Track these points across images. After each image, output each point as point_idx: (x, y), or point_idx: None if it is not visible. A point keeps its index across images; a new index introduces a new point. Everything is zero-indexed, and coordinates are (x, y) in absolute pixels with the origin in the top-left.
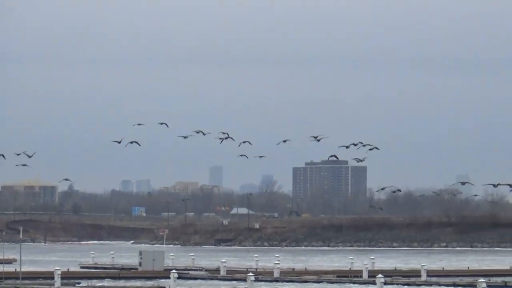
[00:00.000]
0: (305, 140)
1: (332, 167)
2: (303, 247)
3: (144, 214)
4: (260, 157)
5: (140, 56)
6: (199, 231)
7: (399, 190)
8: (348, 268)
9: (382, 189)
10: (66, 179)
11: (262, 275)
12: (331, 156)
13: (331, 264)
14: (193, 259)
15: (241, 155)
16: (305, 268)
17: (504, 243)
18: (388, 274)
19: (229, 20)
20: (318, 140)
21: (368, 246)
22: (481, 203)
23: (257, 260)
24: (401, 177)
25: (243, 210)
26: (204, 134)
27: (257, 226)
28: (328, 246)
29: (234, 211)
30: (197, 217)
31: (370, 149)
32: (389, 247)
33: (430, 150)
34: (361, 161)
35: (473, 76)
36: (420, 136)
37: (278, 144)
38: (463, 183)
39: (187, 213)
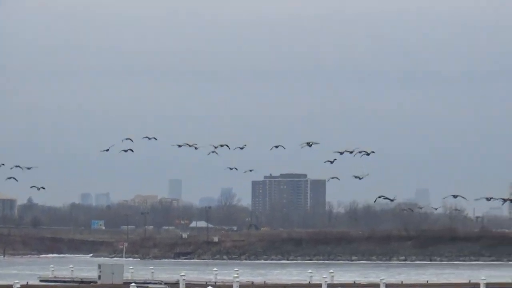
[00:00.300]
0: (265, 152)
1: (291, 181)
2: (262, 261)
3: (103, 227)
4: (250, 170)
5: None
6: (158, 245)
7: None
8: (307, 282)
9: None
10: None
11: None
12: (328, 161)
13: (290, 278)
14: (153, 272)
15: (231, 168)
16: (264, 282)
17: (463, 256)
18: (347, 287)
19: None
20: (310, 146)
21: (327, 260)
22: (440, 216)
23: (216, 274)
24: (360, 190)
25: (202, 224)
26: (196, 148)
27: (216, 239)
28: (287, 259)
29: (193, 224)
30: (156, 230)
31: (367, 154)
32: (348, 260)
33: (389, 164)
34: (360, 178)
35: (439, 88)
36: (380, 149)
37: (271, 149)
38: (455, 196)
39: (146, 226)
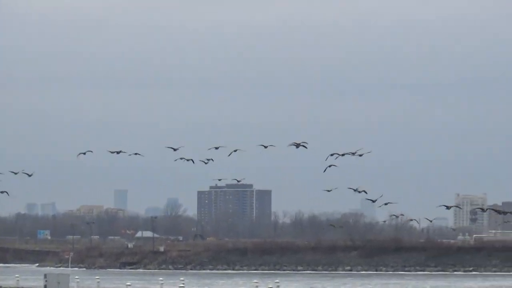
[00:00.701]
0: (209, 164)
1: (237, 191)
2: (208, 271)
3: (49, 237)
4: (238, 181)
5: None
6: (104, 254)
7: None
8: None
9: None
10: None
11: None
12: (329, 166)
13: None
14: (98, 282)
15: (219, 179)
16: None
17: (408, 266)
18: None
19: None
20: (297, 147)
21: (273, 270)
22: (385, 227)
23: (162, 283)
24: (305, 200)
25: (148, 234)
26: (191, 161)
27: (162, 249)
28: (233, 269)
29: (139, 234)
30: (102, 240)
31: (360, 155)
32: (294, 270)
33: (334, 174)
34: (358, 191)
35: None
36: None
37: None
38: (448, 207)
39: (92, 236)
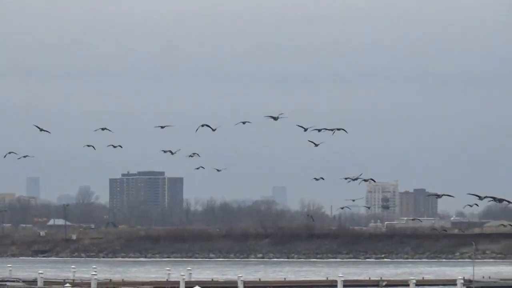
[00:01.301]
0: (123, 151)
1: (149, 179)
2: (120, 258)
3: None
4: (218, 170)
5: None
6: (16, 242)
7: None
8: (165, 279)
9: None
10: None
11: (79, 286)
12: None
13: (148, 275)
14: (10, 270)
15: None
16: (122, 280)
17: (320, 254)
18: (205, 285)
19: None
20: (276, 119)
21: (185, 257)
22: (296, 214)
23: (74, 271)
24: (217, 188)
25: (60, 221)
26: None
27: (74, 237)
28: (145, 257)
29: (51, 222)
30: (14, 228)
31: (337, 130)
32: (206, 258)
33: (246, 161)
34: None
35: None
36: (237, 148)
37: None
38: (438, 196)
39: (3, 224)
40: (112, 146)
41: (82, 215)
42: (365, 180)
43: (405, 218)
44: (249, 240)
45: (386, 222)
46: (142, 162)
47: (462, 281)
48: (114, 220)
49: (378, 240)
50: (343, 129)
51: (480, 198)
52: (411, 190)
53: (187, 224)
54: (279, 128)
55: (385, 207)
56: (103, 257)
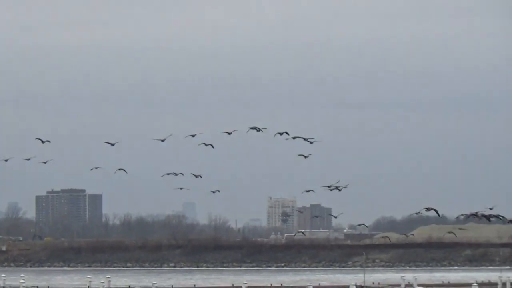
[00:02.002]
0: (47, 168)
1: (71, 195)
2: (46, 267)
3: None
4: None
5: None
6: None
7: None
8: (87, 286)
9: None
10: None
11: None
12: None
13: (72, 283)
14: None
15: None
16: (48, 287)
17: (226, 263)
18: None
19: None
20: (258, 131)
21: (104, 266)
22: (204, 227)
23: (4, 279)
24: (134, 204)
25: None
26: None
27: (3, 248)
28: (69, 266)
29: None
30: None
31: (310, 141)
32: (123, 267)
33: (155, 179)
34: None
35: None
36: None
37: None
38: (428, 209)
39: None
40: (42, 163)
41: (11, 228)
42: (339, 190)
43: (302, 231)
44: (162, 250)
45: (285, 234)
46: (65, 179)
47: (355, 286)
48: (40, 233)
49: (278, 250)
50: (309, 140)
51: (428, 209)
52: (308, 205)
53: (106, 237)
54: (188, 146)
55: (284, 221)
56: (30, 267)
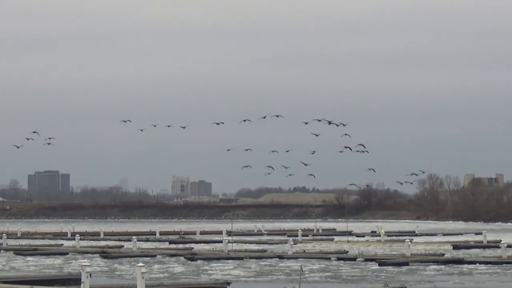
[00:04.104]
0: None
1: (49, 174)
2: (34, 219)
3: None
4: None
5: None
6: None
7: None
8: (59, 230)
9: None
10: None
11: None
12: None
13: (50, 229)
14: None
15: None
16: (35, 231)
17: (146, 216)
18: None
19: None
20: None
21: (70, 219)
22: (133, 194)
23: (8, 227)
24: (90, 178)
25: None
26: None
27: (8, 207)
28: (48, 219)
29: None
30: None
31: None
32: (82, 219)
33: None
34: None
35: None
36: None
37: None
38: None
39: None
40: None
41: (12, 194)
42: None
43: (193, 196)
44: (106, 209)
45: (183, 199)
46: (47, 162)
47: (226, 231)
48: (30, 197)
49: (178, 209)
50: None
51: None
52: (196, 181)
53: (72, 200)
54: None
55: (182, 190)
56: (25, 219)
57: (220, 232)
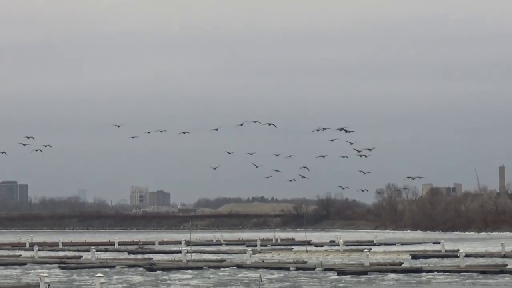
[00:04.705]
0: None
1: (7, 185)
2: None
3: None
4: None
5: None
6: None
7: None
8: (17, 241)
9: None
10: None
11: None
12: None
13: (8, 240)
14: None
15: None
16: None
17: (105, 227)
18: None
19: None
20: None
21: (29, 229)
22: (92, 204)
23: None
24: (48, 189)
25: None
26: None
27: None
28: (6, 229)
29: None
30: None
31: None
32: (41, 229)
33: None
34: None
35: None
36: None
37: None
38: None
39: None
40: None
41: None
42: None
43: (152, 207)
44: (65, 219)
45: (142, 209)
46: (4, 173)
47: (184, 241)
48: None
49: (137, 219)
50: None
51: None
52: (155, 191)
53: (30, 211)
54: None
55: (141, 201)
56: None
57: (179, 242)
